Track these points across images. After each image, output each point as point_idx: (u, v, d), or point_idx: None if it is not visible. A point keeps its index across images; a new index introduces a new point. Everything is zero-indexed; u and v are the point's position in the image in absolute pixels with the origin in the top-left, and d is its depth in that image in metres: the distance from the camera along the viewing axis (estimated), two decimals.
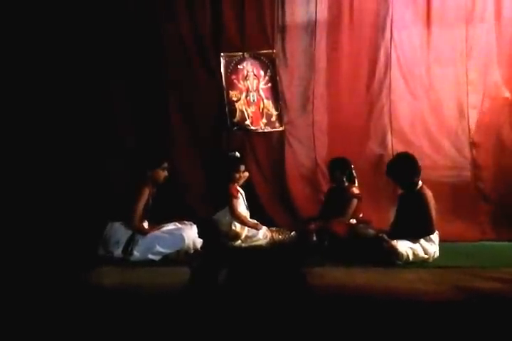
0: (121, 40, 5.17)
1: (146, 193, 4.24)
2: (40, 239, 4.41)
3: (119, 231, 4.15)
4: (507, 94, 4.93)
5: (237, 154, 4.81)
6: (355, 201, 4.53)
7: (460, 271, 3.66)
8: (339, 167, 4.62)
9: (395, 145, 5.04)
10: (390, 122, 5.09)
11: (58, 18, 5.07)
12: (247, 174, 4.79)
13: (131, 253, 4.08)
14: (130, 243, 4.11)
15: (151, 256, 4.06)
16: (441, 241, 4.06)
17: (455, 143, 5.00)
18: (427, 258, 3.93)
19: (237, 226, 4.59)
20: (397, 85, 5.07)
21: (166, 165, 4.34)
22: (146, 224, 4.31)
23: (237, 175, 4.69)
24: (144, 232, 4.18)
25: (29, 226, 4.62)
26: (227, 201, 4.63)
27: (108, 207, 4.47)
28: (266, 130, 5.30)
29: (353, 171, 4.64)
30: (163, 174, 4.34)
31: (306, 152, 5.30)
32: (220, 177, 4.75)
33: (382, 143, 5.13)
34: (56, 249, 4.21)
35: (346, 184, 4.61)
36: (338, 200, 4.58)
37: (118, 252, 4.09)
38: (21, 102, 5.09)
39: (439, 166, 4.88)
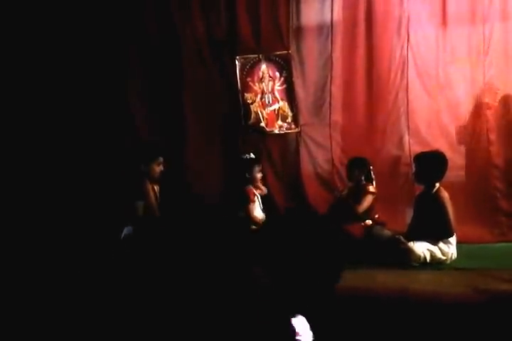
0: (138, 38, 5.28)
1: (149, 189, 4.28)
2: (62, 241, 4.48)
3: None
4: None
5: (252, 156, 4.84)
6: (370, 197, 4.55)
7: (478, 272, 3.62)
8: (358, 166, 4.65)
9: (412, 146, 4.99)
10: (407, 122, 5.04)
11: (78, 16, 5.20)
12: (259, 175, 4.81)
13: None
14: None
15: None
16: (459, 242, 4.04)
17: (473, 142, 4.94)
18: (445, 260, 3.92)
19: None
20: (414, 85, 5.02)
21: (161, 159, 4.35)
22: None
23: (253, 176, 4.72)
24: None
25: (49, 229, 4.69)
26: (244, 203, 4.67)
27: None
28: (281, 131, 5.33)
29: (371, 171, 4.65)
30: (158, 169, 4.34)
31: (323, 153, 5.29)
32: (235, 179, 4.79)
33: (400, 143, 5.09)
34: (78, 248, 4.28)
35: (363, 183, 4.63)
36: (354, 199, 4.60)
37: None
38: (36, 101, 5.22)
39: (457, 166, 4.82)
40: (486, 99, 4.85)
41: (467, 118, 4.94)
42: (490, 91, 4.87)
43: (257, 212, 4.69)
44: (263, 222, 4.58)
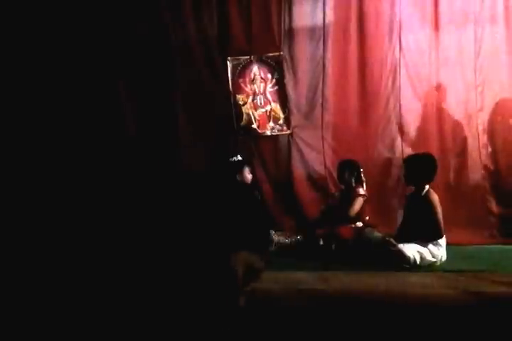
0: (130, 40, 5.30)
1: None
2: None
3: None
4: None
5: (240, 158, 4.85)
6: (360, 200, 4.57)
7: (468, 275, 3.64)
8: (348, 168, 4.67)
9: (404, 149, 5.03)
10: (399, 125, 5.08)
11: (70, 17, 5.22)
12: (250, 176, 4.83)
13: None
14: None
15: None
16: (449, 244, 4.06)
17: (464, 145, 4.97)
18: (435, 262, 3.93)
19: None
20: (406, 88, 5.07)
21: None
22: None
23: (244, 178, 4.74)
24: None
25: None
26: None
27: None
28: (273, 133, 5.35)
29: (362, 173, 4.67)
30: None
31: (315, 155, 5.31)
32: (225, 181, 4.80)
33: (392, 145, 5.13)
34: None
35: (354, 185, 4.65)
36: (344, 202, 4.61)
37: None
38: (31, 101, 5.23)
39: (448, 168, 4.87)
40: (478, 102, 4.89)
41: (459, 121, 4.99)
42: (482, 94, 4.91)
43: None
44: None
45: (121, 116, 5.34)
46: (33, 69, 5.25)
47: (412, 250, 3.87)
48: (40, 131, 5.24)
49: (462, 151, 4.96)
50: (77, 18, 5.21)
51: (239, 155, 4.87)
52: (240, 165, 4.79)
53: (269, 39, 5.22)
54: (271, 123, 5.34)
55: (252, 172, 4.87)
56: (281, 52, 5.22)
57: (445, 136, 5.01)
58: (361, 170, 4.67)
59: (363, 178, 4.67)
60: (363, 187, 4.64)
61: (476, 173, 4.93)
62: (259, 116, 5.35)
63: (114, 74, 5.31)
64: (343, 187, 4.78)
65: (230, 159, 4.85)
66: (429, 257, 3.90)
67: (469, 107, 4.97)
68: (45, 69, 5.24)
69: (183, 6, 5.27)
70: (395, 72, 5.05)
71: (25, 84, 5.26)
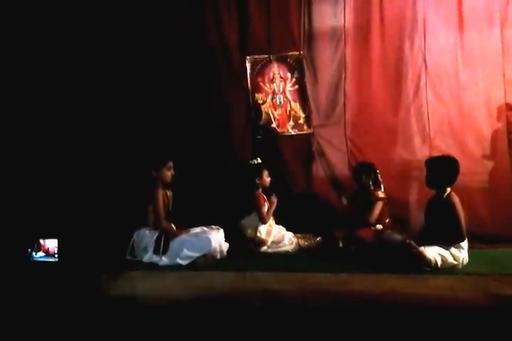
0: (147, 40, 5.38)
1: (160, 194, 4.41)
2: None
3: (147, 237, 4.36)
4: None
5: (259, 160, 4.96)
6: (380, 204, 4.68)
7: (490, 277, 3.70)
8: (365, 171, 4.77)
9: (427, 150, 5.11)
10: (423, 126, 5.16)
11: (88, 18, 5.35)
12: (268, 179, 4.94)
13: (164, 253, 4.24)
14: (159, 244, 4.29)
15: (179, 261, 4.19)
16: (473, 247, 4.14)
17: (489, 147, 5.05)
18: (456, 265, 4.00)
19: (262, 233, 4.76)
20: (430, 89, 5.15)
21: (170, 164, 4.49)
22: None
23: (261, 181, 4.88)
24: (173, 233, 4.35)
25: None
26: (255, 208, 4.82)
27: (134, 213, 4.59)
28: (293, 133, 5.43)
29: (379, 175, 4.77)
30: (170, 173, 4.49)
31: (337, 154, 5.38)
32: (244, 183, 4.92)
33: (414, 147, 5.20)
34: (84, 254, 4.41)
35: (372, 188, 4.75)
36: (363, 204, 4.73)
37: (147, 257, 4.29)
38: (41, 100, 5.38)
39: (472, 172, 4.92)
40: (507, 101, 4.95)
41: (486, 123, 5.07)
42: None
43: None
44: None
45: (139, 118, 5.40)
46: (52, 69, 5.39)
47: (432, 252, 3.93)
48: (59, 135, 5.36)
49: (488, 153, 5.04)
50: (84, 19, 5.33)
51: (258, 158, 4.98)
52: (260, 168, 4.92)
53: (289, 38, 5.31)
54: (291, 123, 5.42)
55: (270, 174, 4.98)
56: (301, 51, 5.30)
57: (470, 138, 5.09)
58: (378, 172, 4.78)
59: (381, 180, 4.78)
60: (381, 189, 4.75)
61: (501, 175, 4.99)
62: (279, 115, 5.43)
63: (130, 76, 5.36)
64: (359, 189, 4.87)
65: (250, 162, 4.97)
66: (450, 260, 3.97)
67: (497, 107, 5.03)
68: (62, 68, 5.36)
69: (204, 6, 5.36)
70: (419, 73, 5.14)
71: (44, 85, 5.41)
